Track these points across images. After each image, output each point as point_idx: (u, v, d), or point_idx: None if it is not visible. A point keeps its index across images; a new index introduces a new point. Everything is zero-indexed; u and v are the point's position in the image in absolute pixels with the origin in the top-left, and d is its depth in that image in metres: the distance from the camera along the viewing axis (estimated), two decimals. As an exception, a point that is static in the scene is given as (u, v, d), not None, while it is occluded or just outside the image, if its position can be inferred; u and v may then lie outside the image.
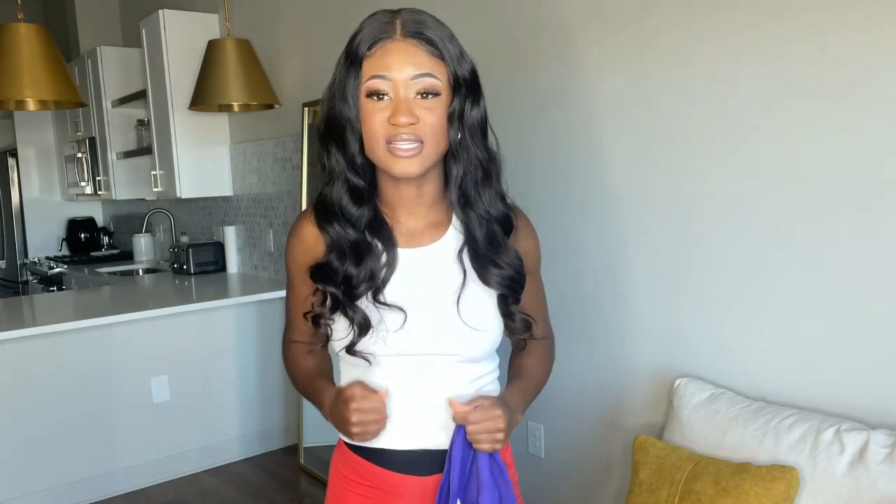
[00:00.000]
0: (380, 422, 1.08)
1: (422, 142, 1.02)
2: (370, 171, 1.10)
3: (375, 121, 1.02)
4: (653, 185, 1.91)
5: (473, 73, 1.08)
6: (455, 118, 1.05)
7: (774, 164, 1.65)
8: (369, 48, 1.02)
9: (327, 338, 1.14)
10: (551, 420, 2.22)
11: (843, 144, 1.54)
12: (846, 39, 1.50)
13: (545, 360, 1.30)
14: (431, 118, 1.02)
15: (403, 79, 1.01)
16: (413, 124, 1.01)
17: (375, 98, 1.02)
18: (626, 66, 1.93)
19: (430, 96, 1.02)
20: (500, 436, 1.07)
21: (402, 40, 1.01)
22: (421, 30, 1.02)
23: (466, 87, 1.06)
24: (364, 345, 1.09)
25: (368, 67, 1.02)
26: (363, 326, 1.08)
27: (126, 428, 3.18)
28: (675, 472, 1.61)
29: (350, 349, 1.10)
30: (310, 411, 3.23)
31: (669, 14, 1.81)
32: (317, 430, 3.26)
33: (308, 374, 1.22)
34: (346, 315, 1.09)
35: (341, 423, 1.09)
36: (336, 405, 1.09)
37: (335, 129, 1.06)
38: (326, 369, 1.25)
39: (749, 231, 1.72)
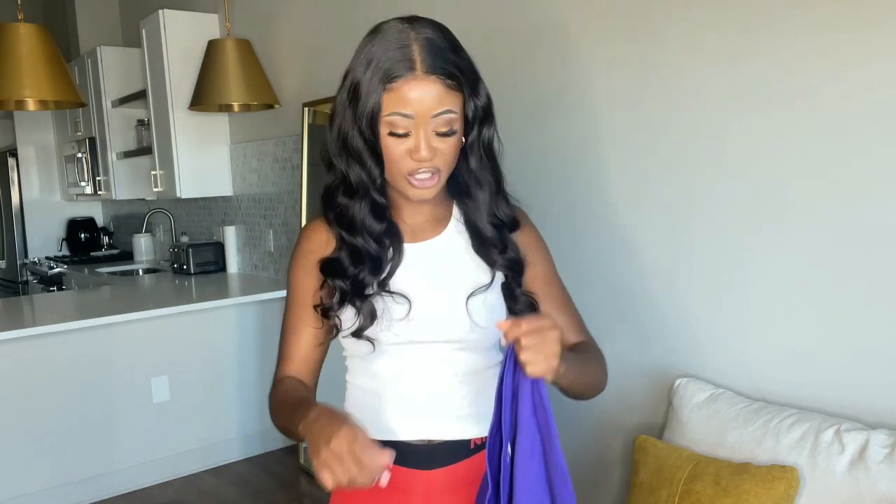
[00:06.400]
0: (352, 477, 0.89)
1: (438, 171, 1.07)
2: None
3: (396, 152, 1.06)
4: (650, 186, 1.91)
5: (488, 97, 1.11)
6: (475, 147, 1.11)
7: (774, 165, 1.65)
8: (390, 81, 1.02)
9: (336, 330, 1.16)
10: (551, 420, 2.21)
11: (840, 147, 1.53)
12: (841, 44, 1.50)
13: (598, 356, 1.28)
14: (447, 147, 1.07)
15: (425, 116, 1.03)
16: (432, 158, 1.05)
17: (396, 132, 1.05)
18: (623, 69, 1.93)
19: (447, 130, 1.06)
20: (554, 357, 0.96)
21: (424, 77, 1.02)
22: (441, 63, 1.03)
23: (483, 113, 1.10)
24: (370, 332, 1.13)
25: (389, 102, 1.03)
26: (370, 317, 1.12)
27: (126, 428, 3.19)
28: (675, 472, 1.61)
29: (357, 333, 1.12)
30: (310, 411, 3.23)
31: (666, 20, 1.81)
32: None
33: (297, 396, 1.14)
34: (354, 306, 1.12)
35: (315, 446, 0.92)
36: (322, 423, 0.94)
37: (354, 152, 1.09)
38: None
39: (749, 232, 1.72)
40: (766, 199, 1.67)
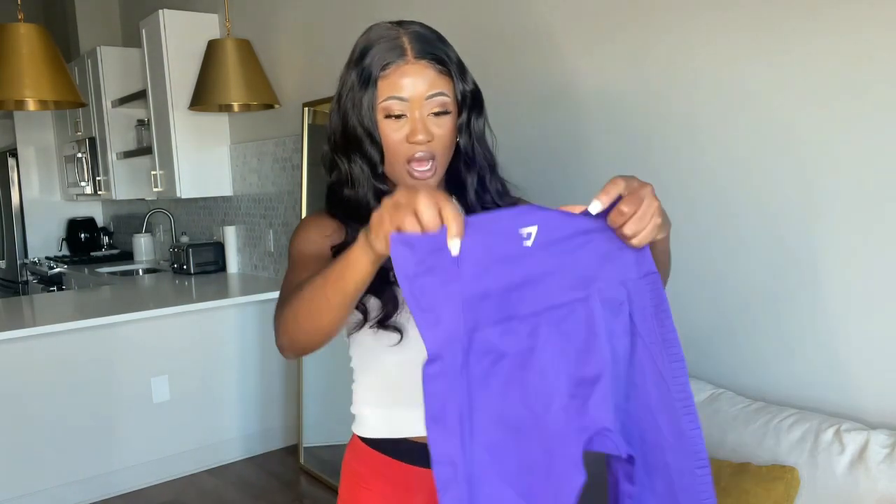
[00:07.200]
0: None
1: (434, 157, 1.10)
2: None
3: (394, 139, 1.09)
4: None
5: (475, 85, 1.14)
6: (465, 130, 1.14)
7: (770, 166, 1.65)
8: (383, 69, 1.07)
9: (364, 318, 1.12)
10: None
11: (841, 148, 1.54)
12: (848, 39, 1.51)
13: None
14: (443, 132, 1.10)
15: (419, 99, 1.07)
16: (429, 141, 1.08)
17: (393, 118, 1.08)
18: (621, 67, 1.93)
19: (441, 113, 1.09)
20: (658, 213, 0.90)
21: (415, 62, 1.07)
22: (430, 49, 1.08)
23: (472, 99, 1.13)
24: (395, 321, 1.12)
25: (384, 88, 1.07)
26: (394, 303, 1.12)
27: (126, 428, 3.19)
28: (675, 472, 1.61)
29: (383, 321, 1.12)
30: (310, 411, 3.23)
31: (661, 21, 1.81)
32: (317, 430, 3.26)
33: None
34: (377, 294, 1.12)
35: (396, 205, 0.81)
36: (401, 191, 0.83)
37: (354, 142, 1.11)
38: None
39: (748, 231, 1.72)
40: (766, 202, 1.67)
